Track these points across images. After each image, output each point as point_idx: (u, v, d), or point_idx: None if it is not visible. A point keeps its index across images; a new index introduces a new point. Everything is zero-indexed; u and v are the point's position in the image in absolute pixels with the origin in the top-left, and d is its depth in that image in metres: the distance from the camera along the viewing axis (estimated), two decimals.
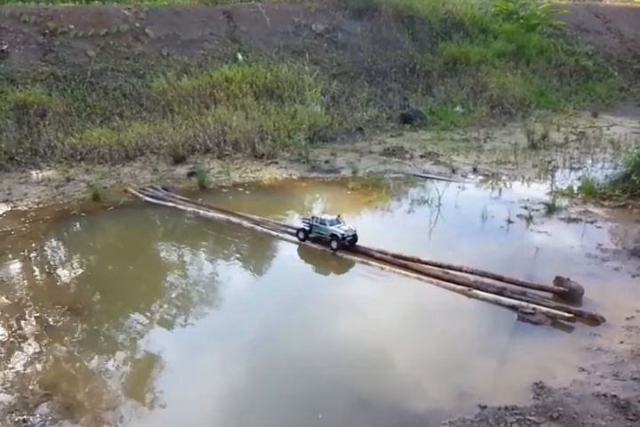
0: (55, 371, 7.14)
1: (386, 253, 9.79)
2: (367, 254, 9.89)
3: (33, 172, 14.28)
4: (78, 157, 14.99)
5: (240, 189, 13.55)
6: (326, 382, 6.75)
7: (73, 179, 13.88)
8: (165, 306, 8.76)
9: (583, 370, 6.71)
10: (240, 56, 20.32)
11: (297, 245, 10.49)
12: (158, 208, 12.36)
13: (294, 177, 14.40)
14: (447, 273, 9.09)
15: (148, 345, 7.73)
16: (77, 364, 7.34)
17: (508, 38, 25.54)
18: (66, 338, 7.84)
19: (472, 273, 9.02)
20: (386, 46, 23.09)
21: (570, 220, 11.70)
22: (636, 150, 13.08)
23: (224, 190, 13.53)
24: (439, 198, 12.44)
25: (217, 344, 7.69)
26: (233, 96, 18.20)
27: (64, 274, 9.77)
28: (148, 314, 8.51)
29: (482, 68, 23.71)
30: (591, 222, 11.57)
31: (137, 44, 19.53)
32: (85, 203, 12.51)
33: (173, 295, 9.08)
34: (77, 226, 11.95)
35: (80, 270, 10.08)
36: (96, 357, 7.51)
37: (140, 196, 12.92)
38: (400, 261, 9.56)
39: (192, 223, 11.71)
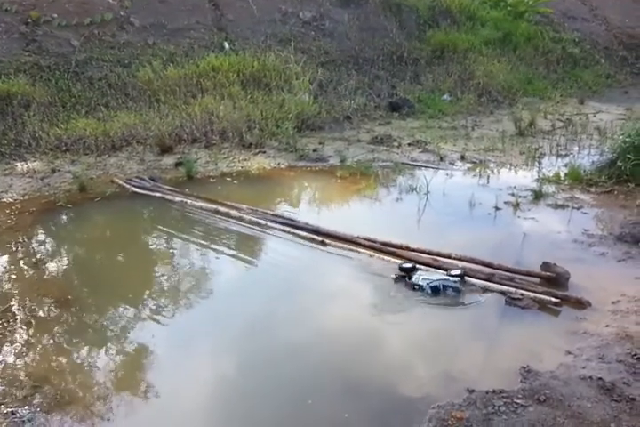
0: (44, 363, 7.10)
1: (374, 241, 9.81)
2: (356, 243, 9.90)
3: (17, 163, 14.11)
4: (63, 148, 14.83)
5: (228, 179, 13.50)
6: (316, 369, 6.77)
7: (58, 170, 13.75)
8: (155, 297, 8.74)
9: (570, 353, 6.79)
10: (227, 45, 20.17)
11: (284, 235, 10.45)
12: (146, 199, 12.29)
13: (282, 166, 14.37)
14: (436, 260, 9.14)
15: (138, 336, 7.70)
16: (67, 356, 7.30)
17: (495, 26, 25.57)
18: (55, 330, 7.80)
19: (460, 260, 9.07)
20: (373, 34, 23.01)
21: (556, 206, 11.79)
22: (621, 136, 13.15)
23: (212, 180, 13.48)
24: (427, 186, 12.46)
25: (207, 334, 7.69)
26: (220, 85, 18.07)
27: (52, 266, 9.69)
28: (138, 305, 8.48)
29: (469, 55, 23.72)
30: (577, 208, 11.66)
31: (122, 34, 19.31)
32: (72, 194, 12.41)
33: (163, 286, 9.06)
34: (64, 217, 11.85)
35: (68, 262, 10.01)
36: (86, 348, 7.48)
37: (127, 186, 12.83)
38: (389, 248, 9.58)
39: (180, 213, 11.66)
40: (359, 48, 22.17)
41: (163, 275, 9.43)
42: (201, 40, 20.15)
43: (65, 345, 7.51)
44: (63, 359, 7.21)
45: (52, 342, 7.56)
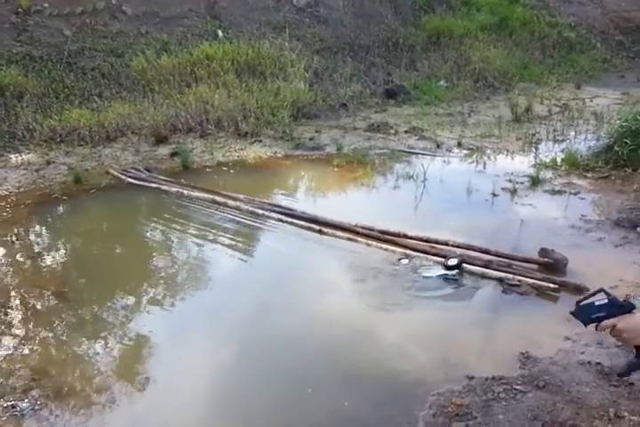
0: (43, 356, 7.07)
1: (372, 230, 9.79)
2: (354, 231, 9.87)
3: (12, 155, 14.02)
4: (58, 140, 14.73)
5: (224, 169, 13.43)
6: (315, 358, 6.77)
7: (53, 162, 13.66)
8: (153, 288, 8.70)
9: (568, 339, 6.80)
10: (220, 33, 19.98)
11: (282, 225, 10.41)
12: (141, 189, 12.23)
13: (279, 155, 14.29)
14: (434, 247, 9.12)
15: (136, 327, 7.67)
16: (65, 348, 7.26)
17: (491, 10, 25.39)
18: (53, 323, 7.75)
19: (458, 247, 9.05)
20: (368, 21, 22.82)
21: (554, 192, 11.77)
22: (618, 121, 13.10)
23: (208, 170, 13.41)
24: (424, 173, 12.42)
25: (206, 324, 7.66)
26: (214, 74, 17.94)
27: (48, 258, 9.64)
28: (136, 296, 8.45)
29: (465, 41, 23.58)
30: (574, 194, 11.64)
31: (114, 23, 19.11)
32: (67, 186, 12.34)
33: (160, 277, 9.01)
34: (60, 209, 11.78)
35: (65, 254, 9.96)
36: (84, 340, 7.44)
37: (123, 177, 12.76)
38: (387, 237, 9.56)
39: (176, 204, 11.59)
40: (354, 35, 21.99)
41: (159, 266, 9.38)
42: (194, 28, 19.96)
43: (63, 337, 7.46)
44: (62, 352, 7.18)
45: (49, 334, 7.50)
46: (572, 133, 16.04)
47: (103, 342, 7.42)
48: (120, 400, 6.36)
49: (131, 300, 8.35)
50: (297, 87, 17.89)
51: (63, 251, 10.15)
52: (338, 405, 5.90)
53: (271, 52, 19.20)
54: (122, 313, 8.05)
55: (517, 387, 5.83)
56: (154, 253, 9.77)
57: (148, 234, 10.52)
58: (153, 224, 10.76)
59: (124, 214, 11.53)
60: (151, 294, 8.51)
